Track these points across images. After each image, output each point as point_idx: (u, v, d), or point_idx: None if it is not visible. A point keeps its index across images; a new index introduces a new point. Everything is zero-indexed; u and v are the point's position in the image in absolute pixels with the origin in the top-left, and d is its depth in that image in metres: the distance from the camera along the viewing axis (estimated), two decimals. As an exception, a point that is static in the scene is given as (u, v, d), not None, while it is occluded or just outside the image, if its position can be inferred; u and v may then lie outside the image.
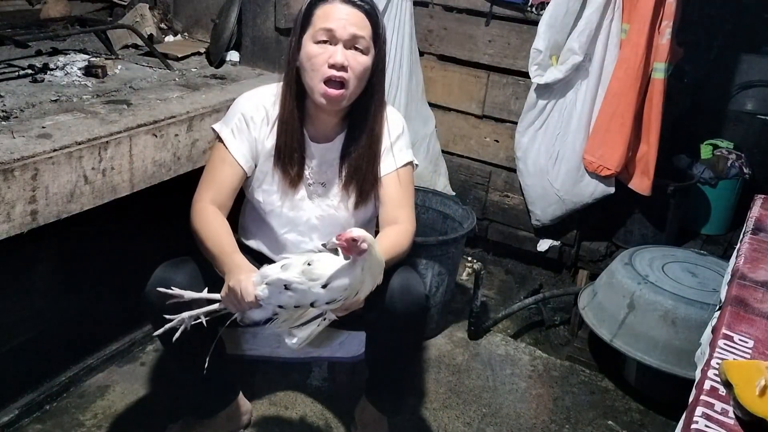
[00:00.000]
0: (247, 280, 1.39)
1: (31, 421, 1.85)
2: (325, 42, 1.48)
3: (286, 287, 1.34)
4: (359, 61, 1.49)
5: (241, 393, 1.88)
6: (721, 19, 3.30)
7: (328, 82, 1.49)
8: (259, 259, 1.74)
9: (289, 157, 1.60)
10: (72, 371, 1.99)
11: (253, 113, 1.61)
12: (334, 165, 1.65)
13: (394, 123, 1.66)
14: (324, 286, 1.32)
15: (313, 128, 1.63)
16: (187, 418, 1.83)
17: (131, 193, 1.70)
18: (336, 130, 1.63)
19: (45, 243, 1.85)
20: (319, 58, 1.48)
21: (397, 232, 1.61)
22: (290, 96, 1.57)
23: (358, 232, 1.27)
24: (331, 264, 1.34)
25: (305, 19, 1.50)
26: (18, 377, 1.86)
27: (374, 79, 1.56)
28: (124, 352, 2.14)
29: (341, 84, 1.49)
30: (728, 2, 3.25)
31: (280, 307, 1.38)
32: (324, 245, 1.37)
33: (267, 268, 1.40)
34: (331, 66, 1.47)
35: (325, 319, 1.45)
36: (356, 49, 1.49)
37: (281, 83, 1.59)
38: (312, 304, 1.36)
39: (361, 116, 1.59)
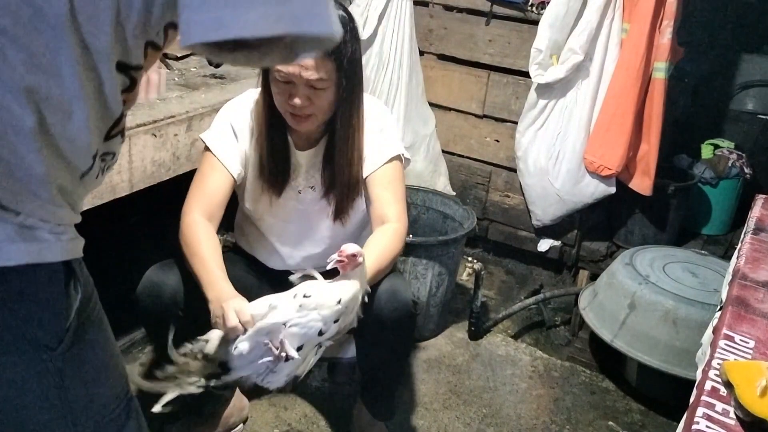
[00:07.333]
0: (239, 303, 1.29)
1: (30, 421, 1.84)
2: (285, 82, 1.45)
3: (285, 325, 1.27)
4: (321, 97, 1.46)
5: (237, 389, 1.87)
6: (722, 19, 3.30)
7: (293, 115, 1.48)
8: (254, 262, 1.75)
9: (274, 168, 1.58)
10: (72, 371, 1.98)
11: (239, 123, 1.59)
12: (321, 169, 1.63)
13: (375, 118, 1.61)
14: (339, 302, 1.29)
15: (296, 135, 1.60)
16: (186, 418, 1.82)
17: (130, 192, 1.69)
18: (319, 133, 1.60)
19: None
20: (281, 96, 1.47)
21: (387, 235, 1.54)
22: (267, 110, 1.54)
23: (353, 249, 1.29)
24: (323, 289, 1.32)
25: None
26: (17, 377, 1.86)
27: (346, 90, 1.50)
28: (124, 352, 2.13)
29: (307, 116, 1.48)
30: (729, 2, 3.24)
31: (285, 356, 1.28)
32: (304, 275, 1.36)
33: (256, 312, 1.28)
34: (292, 105, 1.46)
35: (321, 346, 1.38)
36: (317, 87, 1.45)
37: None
38: (320, 333, 1.30)
39: (339, 122, 1.55)
